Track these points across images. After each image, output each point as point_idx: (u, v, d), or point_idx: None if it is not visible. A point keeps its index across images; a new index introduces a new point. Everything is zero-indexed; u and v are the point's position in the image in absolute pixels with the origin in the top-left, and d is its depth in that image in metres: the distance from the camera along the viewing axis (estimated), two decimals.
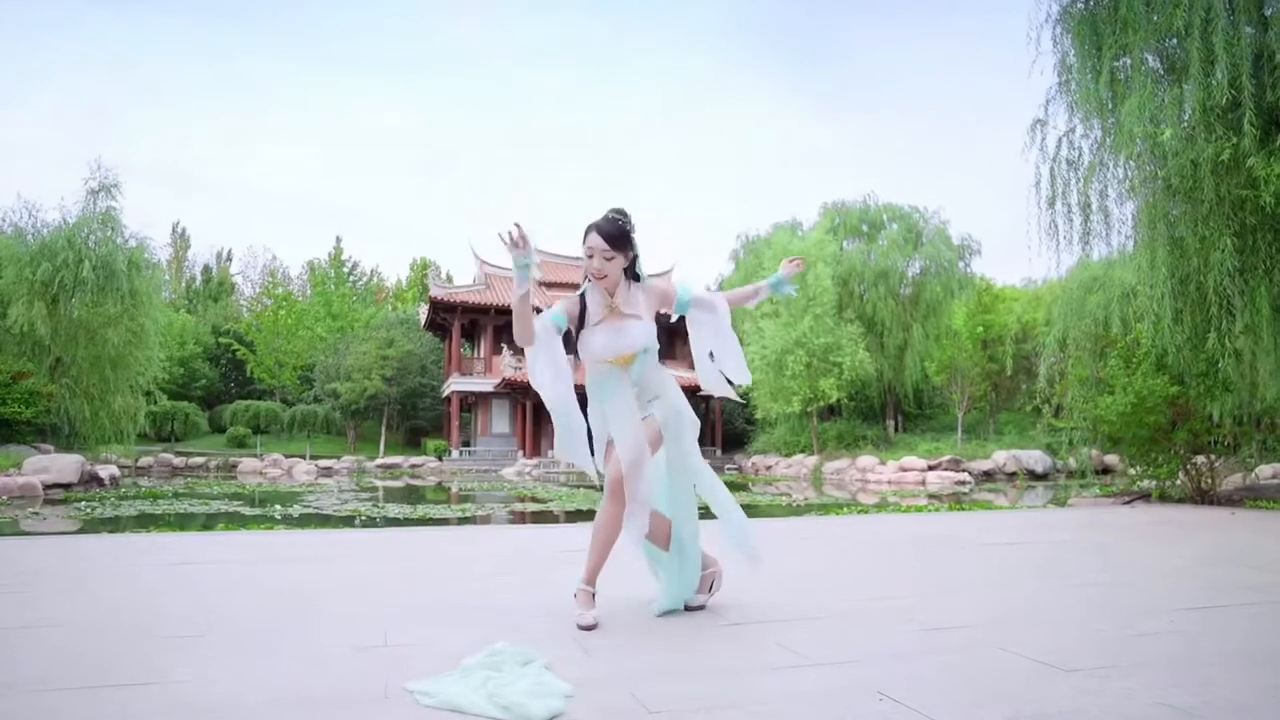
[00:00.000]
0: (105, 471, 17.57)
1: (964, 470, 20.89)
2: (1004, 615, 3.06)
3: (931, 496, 15.32)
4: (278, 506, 12.40)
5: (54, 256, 21.01)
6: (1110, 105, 9.35)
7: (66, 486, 15.54)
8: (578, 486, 18.67)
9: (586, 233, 2.90)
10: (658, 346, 3.04)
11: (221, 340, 41.61)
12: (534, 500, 14.39)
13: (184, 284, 53.05)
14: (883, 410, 30.01)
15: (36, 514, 11.22)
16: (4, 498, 13.41)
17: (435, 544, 5.70)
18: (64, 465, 16.19)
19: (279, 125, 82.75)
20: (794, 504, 13.73)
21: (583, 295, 2.99)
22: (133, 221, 27.98)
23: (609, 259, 2.89)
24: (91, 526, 9.68)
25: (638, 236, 2.96)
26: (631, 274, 3.00)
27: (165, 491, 15.83)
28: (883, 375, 28.23)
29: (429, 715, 1.90)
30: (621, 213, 2.95)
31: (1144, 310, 9.47)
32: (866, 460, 23.20)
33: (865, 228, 30.21)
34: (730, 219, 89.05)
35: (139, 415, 23.45)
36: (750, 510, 12.03)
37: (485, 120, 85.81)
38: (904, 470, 21.35)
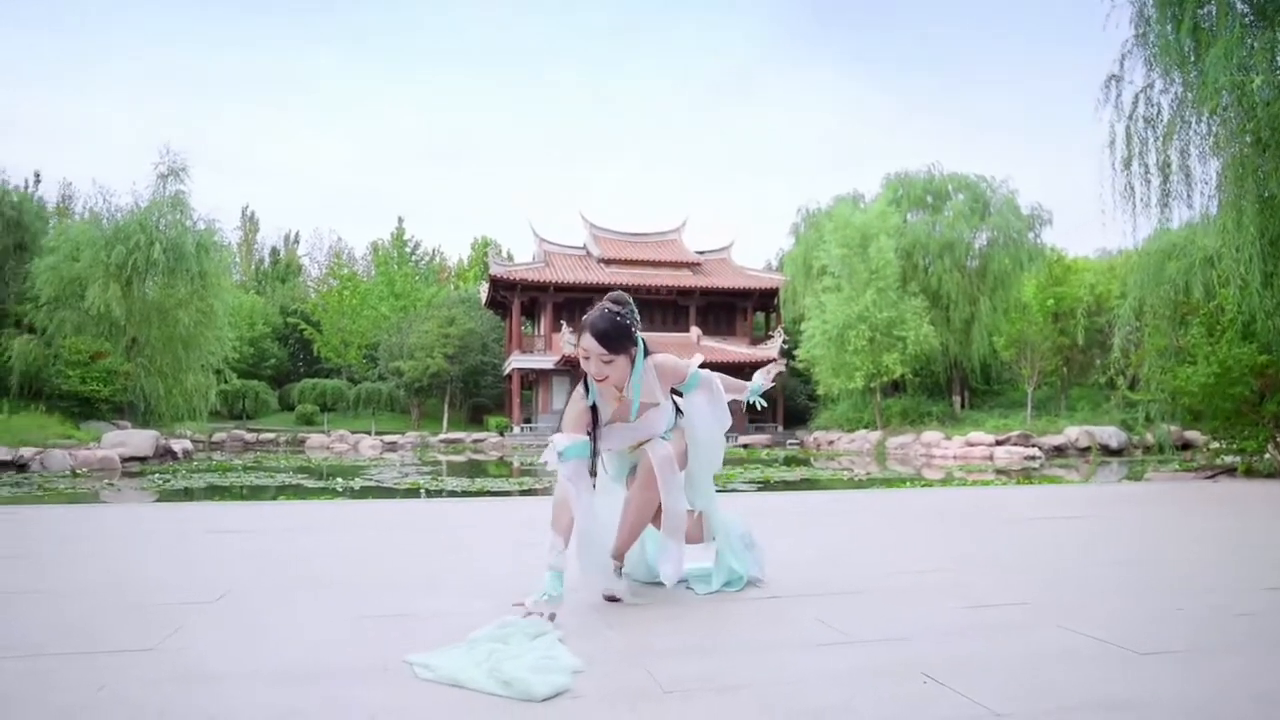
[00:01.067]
0: (179, 445, 18.19)
1: (1034, 445, 20.19)
2: (1067, 592, 2.81)
3: (999, 472, 14.83)
4: (339, 479, 12.60)
5: (127, 239, 21.68)
6: (1193, 56, 8.77)
7: (142, 460, 16.15)
8: None
9: (580, 331, 2.61)
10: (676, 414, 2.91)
11: (289, 320, 42.58)
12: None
13: (253, 266, 54.42)
14: (949, 386, 29.25)
15: (112, 485, 11.67)
16: (84, 470, 13.99)
17: (475, 514, 5.63)
18: (140, 440, 16.82)
19: (338, 115, 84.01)
20: (855, 478, 13.43)
21: (590, 403, 2.69)
22: (201, 205, 28.78)
23: (608, 362, 2.59)
24: (165, 497, 10.03)
25: (637, 329, 2.67)
26: (640, 361, 2.70)
27: (235, 465, 16.27)
28: (948, 350, 27.49)
29: (423, 690, 1.77)
30: (620, 303, 2.65)
31: (1229, 274, 8.88)
32: (931, 435, 22.64)
33: (930, 199, 29.35)
34: (789, 193, 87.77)
35: (210, 393, 24.18)
36: (810, 484, 11.89)
37: (543, 102, 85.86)
38: (970, 445, 20.76)
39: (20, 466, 13.75)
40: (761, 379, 3.12)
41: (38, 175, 33.81)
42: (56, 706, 1.66)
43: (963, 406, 28.60)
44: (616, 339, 2.57)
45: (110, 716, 1.60)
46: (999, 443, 20.43)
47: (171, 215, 22.91)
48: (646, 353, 2.72)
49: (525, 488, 11.42)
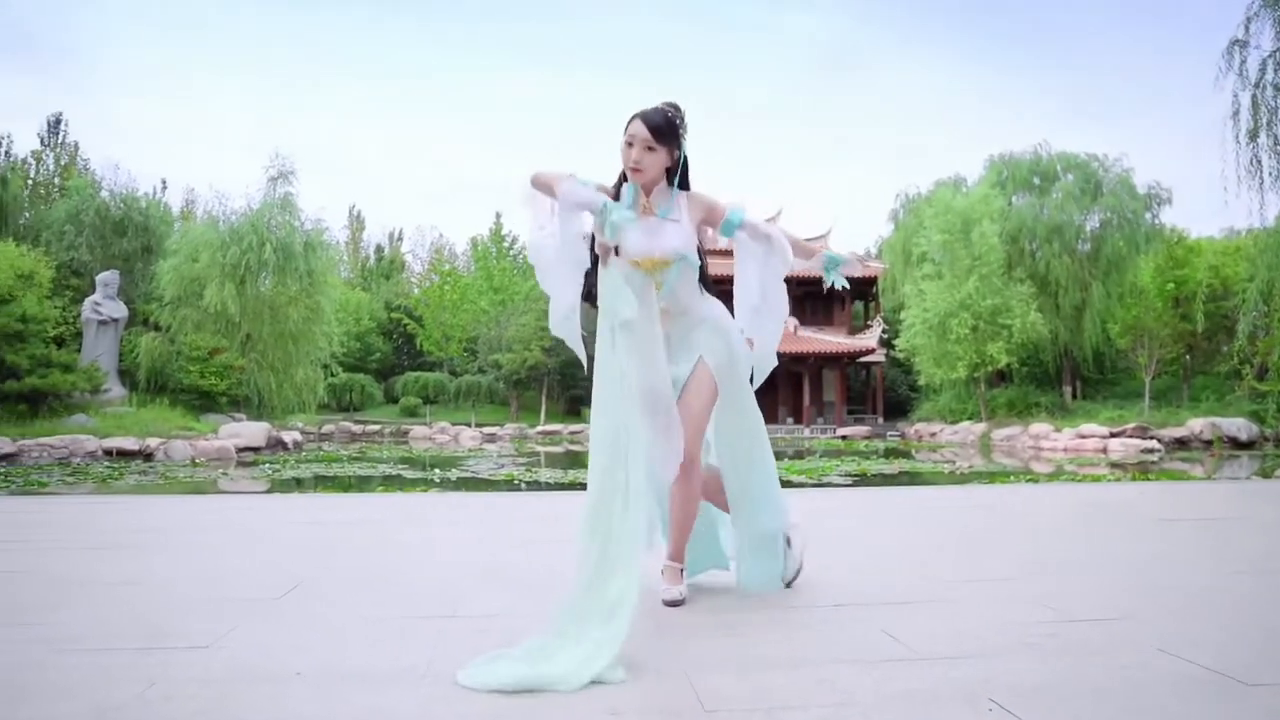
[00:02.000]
0: (289, 437, 19.04)
1: (1152, 438, 19.04)
2: (1172, 609, 2.56)
3: (1113, 466, 14.04)
4: (437, 470, 12.92)
5: (240, 240, 22.84)
6: None
7: (255, 450, 16.95)
8: None
9: (630, 120, 2.55)
10: (699, 264, 2.65)
11: (393, 315, 43.90)
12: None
13: (360, 263, 56.38)
14: (1058, 375, 27.93)
15: (227, 474, 12.34)
16: (203, 459, 14.83)
17: (555, 508, 5.62)
18: (253, 431, 17.69)
19: (439, 113, 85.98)
20: (956, 470, 12.94)
21: (618, 186, 2.59)
22: (309, 205, 30.00)
23: (650, 149, 2.52)
24: (275, 486, 10.54)
25: (688, 139, 2.60)
26: (674, 180, 2.63)
27: (340, 455, 16.91)
28: (1058, 338, 26.23)
29: (457, 698, 1.72)
30: (674, 106, 2.61)
31: None
32: (1040, 427, 21.65)
33: (1036, 180, 28.00)
34: (887, 179, 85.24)
35: (318, 386, 25.28)
36: (909, 478, 11.50)
37: (632, 90, 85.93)
38: (1082, 438, 19.73)
39: (147, 455, 14.67)
40: (847, 253, 2.89)
41: (164, 182, 35.73)
42: (97, 702, 1.68)
43: (1074, 397, 27.26)
44: (664, 129, 2.54)
45: (145, 716, 1.62)
46: (1114, 435, 19.37)
47: (281, 216, 24.02)
48: (686, 185, 2.65)
49: None
